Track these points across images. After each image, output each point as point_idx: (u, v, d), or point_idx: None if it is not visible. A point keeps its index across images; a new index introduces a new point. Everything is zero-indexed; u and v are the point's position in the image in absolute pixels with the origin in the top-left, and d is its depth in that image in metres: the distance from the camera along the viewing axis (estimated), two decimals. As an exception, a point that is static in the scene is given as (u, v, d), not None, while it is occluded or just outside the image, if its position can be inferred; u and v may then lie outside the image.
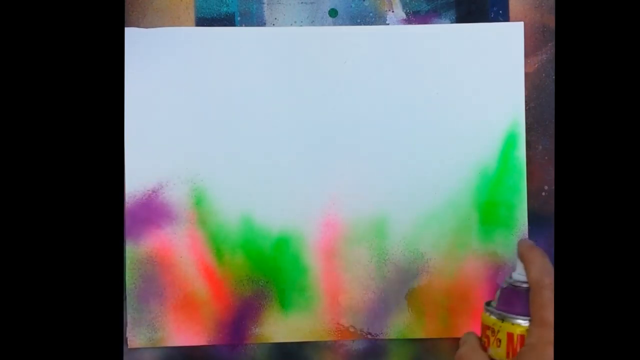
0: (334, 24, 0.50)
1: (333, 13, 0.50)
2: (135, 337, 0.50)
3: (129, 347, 0.50)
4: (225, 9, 0.50)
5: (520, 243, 0.43)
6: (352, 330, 0.50)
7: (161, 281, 0.50)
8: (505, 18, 0.50)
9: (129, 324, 0.50)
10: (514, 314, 0.41)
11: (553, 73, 0.50)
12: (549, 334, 0.38)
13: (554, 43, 0.50)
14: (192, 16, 0.50)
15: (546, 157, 0.50)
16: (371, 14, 0.50)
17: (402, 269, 0.50)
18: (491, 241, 0.50)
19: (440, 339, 0.50)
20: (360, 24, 0.50)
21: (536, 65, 0.50)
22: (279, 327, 0.50)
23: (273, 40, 0.50)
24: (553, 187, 0.50)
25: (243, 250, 0.50)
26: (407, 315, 0.50)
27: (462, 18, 0.50)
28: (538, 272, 0.41)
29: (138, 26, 0.50)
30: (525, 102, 0.50)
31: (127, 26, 0.49)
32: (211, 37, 0.50)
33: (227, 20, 0.50)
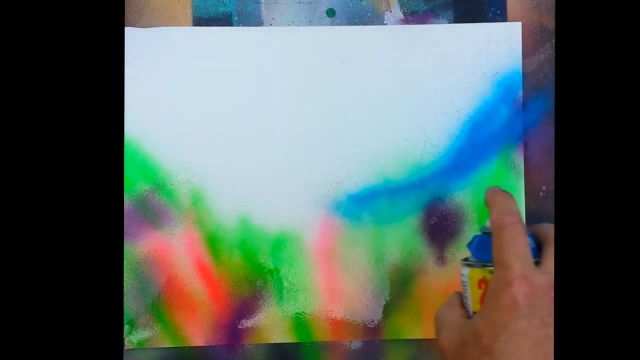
0: (332, 24, 0.50)
1: (331, 13, 0.50)
2: (132, 337, 0.49)
3: (126, 347, 0.49)
4: (222, 9, 0.50)
5: (487, 190, 0.41)
6: (349, 330, 0.50)
7: (158, 281, 0.50)
8: (503, 18, 0.50)
9: (126, 325, 0.49)
10: (484, 260, 0.40)
11: (551, 73, 0.50)
12: (508, 275, 0.37)
13: (552, 43, 0.50)
14: (189, 16, 0.50)
15: (544, 157, 0.50)
16: (369, 14, 0.50)
17: (399, 270, 0.50)
18: (489, 241, 0.50)
19: (439, 339, 0.50)
20: (358, 24, 0.50)
21: (534, 65, 0.50)
22: (276, 328, 0.50)
23: (270, 40, 0.50)
24: (551, 187, 0.50)
25: (240, 251, 0.50)
26: (405, 315, 0.50)
27: (459, 18, 0.50)
28: (498, 214, 0.39)
29: (135, 26, 0.49)
30: (523, 102, 0.50)
31: (125, 26, 0.49)
32: (208, 37, 0.50)
33: (224, 20, 0.50)
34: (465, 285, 0.40)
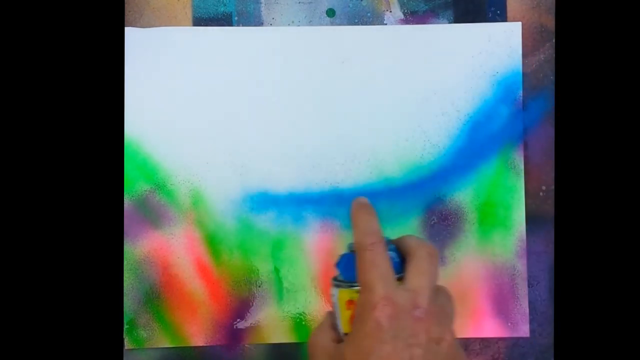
0: (332, 24, 0.50)
1: (331, 13, 0.50)
2: (132, 337, 0.49)
3: (126, 347, 0.49)
4: (222, 9, 0.50)
5: (352, 203, 0.40)
6: (350, 330, 0.50)
7: (158, 282, 0.50)
8: (503, 18, 0.50)
9: (125, 325, 0.49)
10: (351, 280, 0.38)
11: (551, 73, 0.50)
12: (372, 298, 0.36)
13: (552, 43, 0.50)
14: (189, 16, 0.50)
15: (544, 157, 0.50)
16: (369, 14, 0.50)
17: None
18: (489, 241, 0.50)
19: (439, 339, 0.50)
20: (358, 24, 0.50)
21: (534, 65, 0.50)
22: (276, 328, 0.50)
23: (270, 40, 0.50)
24: (551, 187, 0.50)
25: (240, 251, 0.50)
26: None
27: (459, 18, 0.50)
28: (359, 234, 0.38)
29: (135, 26, 0.49)
30: (523, 102, 0.50)
31: (125, 26, 0.49)
32: (208, 37, 0.50)
33: (224, 20, 0.50)
34: (335, 306, 0.39)
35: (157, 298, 0.50)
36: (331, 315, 0.40)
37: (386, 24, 0.50)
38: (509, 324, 0.50)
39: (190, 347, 0.50)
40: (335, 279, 0.40)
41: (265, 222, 0.50)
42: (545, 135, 0.50)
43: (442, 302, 0.38)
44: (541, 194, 0.50)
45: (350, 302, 0.38)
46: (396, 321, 0.35)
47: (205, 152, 0.49)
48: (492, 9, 0.50)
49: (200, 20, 0.50)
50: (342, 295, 0.39)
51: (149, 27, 0.50)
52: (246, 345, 0.50)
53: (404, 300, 0.36)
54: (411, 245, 0.39)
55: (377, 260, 0.37)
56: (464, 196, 0.50)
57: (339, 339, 0.39)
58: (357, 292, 0.37)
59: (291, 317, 0.50)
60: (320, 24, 0.50)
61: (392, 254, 0.38)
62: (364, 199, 0.41)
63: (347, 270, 0.39)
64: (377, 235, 0.38)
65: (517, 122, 0.50)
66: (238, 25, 0.50)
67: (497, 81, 0.50)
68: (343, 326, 0.39)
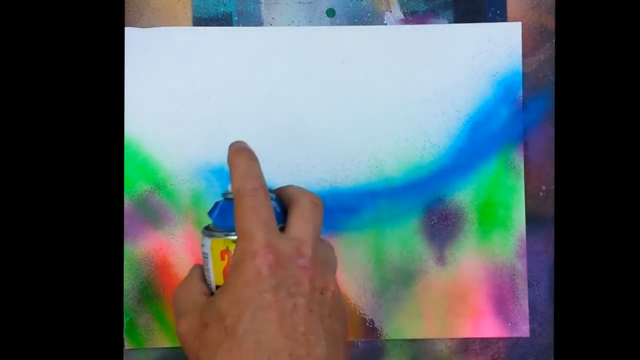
0: (332, 24, 0.50)
1: (331, 13, 0.50)
2: (132, 337, 0.49)
3: (126, 347, 0.49)
4: (222, 9, 0.50)
5: (230, 147, 0.37)
6: (349, 330, 0.50)
7: (158, 282, 0.49)
8: (503, 18, 0.50)
9: (125, 325, 0.49)
10: (226, 228, 0.36)
11: (551, 73, 0.50)
12: (252, 245, 0.34)
13: (552, 43, 0.50)
14: (189, 16, 0.50)
15: (544, 157, 0.50)
16: (369, 14, 0.50)
17: (399, 270, 0.50)
18: (489, 241, 0.50)
19: (439, 339, 0.50)
20: (358, 24, 0.50)
21: (534, 65, 0.50)
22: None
23: (270, 40, 0.50)
24: (551, 187, 0.50)
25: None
26: (405, 315, 0.50)
27: (459, 18, 0.50)
28: (239, 179, 0.35)
29: (135, 26, 0.49)
30: (523, 102, 0.50)
31: (125, 26, 0.49)
32: (208, 37, 0.50)
33: (224, 20, 0.50)
34: (206, 257, 0.37)
35: (157, 298, 0.49)
36: (199, 268, 0.38)
37: (386, 24, 0.50)
38: (509, 324, 0.50)
39: (190, 347, 0.50)
40: (206, 228, 0.38)
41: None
42: (545, 135, 0.50)
43: (325, 253, 0.37)
44: (541, 194, 0.50)
45: (225, 252, 0.36)
46: (278, 270, 0.33)
47: (205, 151, 0.49)
48: (492, 9, 0.50)
49: (200, 20, 0.50)
50: (216, 245, 0.36)
51: (149, 27, 0.49)
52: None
53: (287, 248, 0.34)
54: (294, 194, 0.37)
55: (257, 206, 0.34)
56: (464, 196, 0.50)
57: (211, 293, 0.36)
58: (234, 241, 0.35)
59: (291, 317, 0.50)
60: (320, 24, 0.50)
61: (274, 203, 0.37)
62: (243, 142, 0.37)
63: (222, 218, 0.37)
64: (259, 180, 0.36)
65: (517, 122, 0.50)
66: (238, 25, 0.50)
67: (497, 81, 0.50)
68: (215, 278, 0.36)
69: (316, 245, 0.35)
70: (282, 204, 0.38)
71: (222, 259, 0.36)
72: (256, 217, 0.34)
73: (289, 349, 0.33)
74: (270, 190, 0.37)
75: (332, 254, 0.38)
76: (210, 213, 0.38)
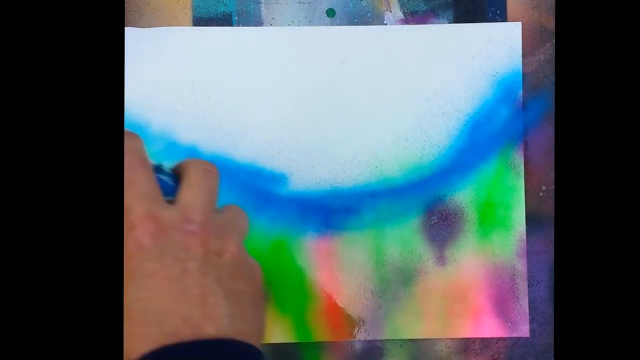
0: (332, 24, 0.50)
1: (331, 13, 0.50)
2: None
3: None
4: (222, 9, 0.50)
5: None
6: (349, 330, 0.50)
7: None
8: (503, 18, 0.50)
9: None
10: None
11: (551, 73, 0.50)
12: (130, 218, 0.34)
13: (552, 43, 0.50)
14: (189, 16, 0.50)
15: (544, 157, 0.50)
16: (369, 14, 0.50)
17: (399, 270, 0.50)
18: (489, 241, 0.50)
19: (439, 339, 0.50)
20: (358, 24, 0.50)
21: (534, 65, 0.50)
22: (276, 328, 0.50)
23: (270, 40, 0.50)
24: (551, 187, 0.50)
25: (240, 251, 0.50)
26: (405, 315, 0.50)
27: (459, 18, 0.50)
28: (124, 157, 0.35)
29: (135, 26, 0.49)
30: (523, 102, 0.50)
31: (125, 26, 0.49)
32: (208, 37, 0.50)
33: (224, 20, 0.50)
34: None
35: (157, 298, 0.49)
36: None
37: (386, 24, 0.50)
38: (509, 324, 0.50)
39: (190, 347, 0.50)
40: None
41: (265, 222, 0.50)
42: (546, 135, 0.50)
43: (227, 216, 0.37)
44: (541, 194, 0.50)
45: None
46: (162, 238, 0.34)
47: (205, 151, 0.49)
48: (492, 9, 0.50)
49: (200, 20, 0.50)
50: None
51: (149, 27, 0.49)
52: (246, 346, 0.50)
53: (171, 216, 0.34)
54: (186, 165, 0.37)
55: (135, 179, 0.35)
56: (464, 196, 0.50)
57: None
58: None
59: (291, 317, 0.50)
60: (320, 24, 0.50)
61: (166, 177, 0.37)
62: (128, 130, 0.37)
63: None
64: (139, 153, 0.36)
65: (517, 122, 0.50)
66: (238, 25, 0.50)
67: (497, 81, 0.50)
68: None
69: (208, 209, 0.35)
70: (179, 179, 0.38)
71: None
72: (133, 189, 0.34)
73: (181, 312, 0.33)
74: (166, 168, 0.38)
75: (238, 218, 0.38)
76: None
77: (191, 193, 0.36)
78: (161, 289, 0.33)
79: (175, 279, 0.33)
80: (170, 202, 0.36)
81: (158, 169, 0.37)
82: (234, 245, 0.36)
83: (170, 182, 0.37)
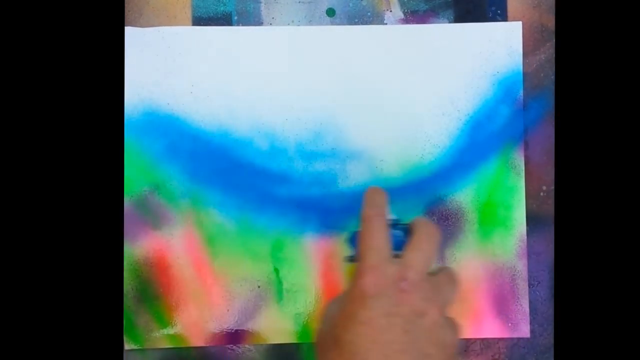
0: (332, 24, 0.50)
1: (331, 12, 0.50)
2: (132, 337, 0.49)
3: (126, 347, 0.49)
4: (222, 8, 0.50)
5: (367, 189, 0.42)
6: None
7: (158, 282, 0.49)
8: (504, 18, 0.50)
9: (125, 325, 0.49)
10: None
11: (552, 73, 0.50)
12: (361, 266, 0.38)
13: (552, 43, 0.50)
14: (189, 15, 0.50)
15: (545, 157, 0.50)
16: (369, 14, 0.50)
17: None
18: (489, 241, 0.50)
19: (439, 339, 0.50)
20: (358, 24, 0.50)
21: (534, 65, 0.50)
22: (276, 328, 0.50)
23: (270, 40, 0.50)
24: (552, 188, 0.50)
25: (240, 252, 0.50)
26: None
27: (460, 18, 0.50)
28: (365, 208, 0.40)
29: (135, 25, 0.49)
30: (524, 102, 0.50)
31: (125, 25, 0.49)
32: (208, 37, 0.50)
33: (224, 19, 0.50)
34: (345, 283, 0.40)
35: (156, 298, 0.49)
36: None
37: (386, 24, 0.50)
38: (509, 324, 0.50)
39: (190, 348, 0.50)
40: (345, 256, 0.42)
41: (265, 222, 0.50)
42: (546, 135, 0.50)
43: (438, 281, 0.39)
44: (541, 194, 0.50)
45: None
46: (380, 289, 0.37)
47: (205, 151, 0.49)
48: (493, 8, 0.50)
49: (200, 20, 0.50)
50: (347, 270, 0.41)
51: (149, 26, 0.49)
52: (246, 346, 0.50)
53: (392, 271, 0.37)
54: (416, 225, 0.40)
55: (373, 231, 0.38)
56: (464, 196, 0.50)
57: None
58: None
59: (291, 318, 0.50)
60: (320, 24, 0.50)
61: (398, 232, 0.40)
62: (378, 187, 0.42)
63: (353, 246, 0.41)
64: (380, 209, 0.40)
65: (517, 122, 0.50)
66: (238, 25, 0.50)
67: (498, 81, 0.50)
68: None
69: (423, 271, 0.38)
70: (410, 234, 0.40)
71: None
72: (370, 241, 0.38)
73: None
74: (401, 222, 0.41)
75: (450, 284, 0.40)
76: (347, 242, 0.43)
77: (414, 253, 0.38)
78: (369, 337, 0.36)
79: (383, 330, 0.36)
80: (397, 257, 0.39)
81: (394, 224, 0.41)
82: (436, 311, 0.37)
83: (402, 237, 0.40)
